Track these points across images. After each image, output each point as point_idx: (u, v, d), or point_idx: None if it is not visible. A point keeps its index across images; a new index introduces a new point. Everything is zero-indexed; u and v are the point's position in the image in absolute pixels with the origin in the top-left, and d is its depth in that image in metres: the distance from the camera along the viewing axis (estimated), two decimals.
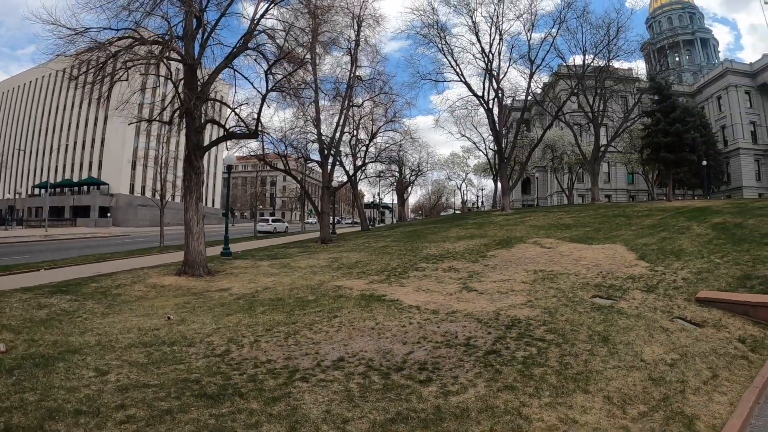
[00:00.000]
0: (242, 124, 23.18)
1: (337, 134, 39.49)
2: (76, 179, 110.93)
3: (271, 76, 21.44)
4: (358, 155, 48.58)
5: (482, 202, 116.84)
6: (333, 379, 7.65)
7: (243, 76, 24.25)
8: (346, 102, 38.04)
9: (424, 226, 43.39)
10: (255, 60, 22.26)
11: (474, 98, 50.11)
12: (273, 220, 71.38)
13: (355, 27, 36.47)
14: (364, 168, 51.61)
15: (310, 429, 6.05)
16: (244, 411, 6.43)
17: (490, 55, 47.12)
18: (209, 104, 23.62)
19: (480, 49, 47.59)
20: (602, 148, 53.32)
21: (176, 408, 6.46)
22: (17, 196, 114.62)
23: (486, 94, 48.46)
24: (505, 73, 48.65)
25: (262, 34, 21.72)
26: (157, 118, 24.60)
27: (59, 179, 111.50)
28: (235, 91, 24.40)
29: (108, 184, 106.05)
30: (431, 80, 49.97)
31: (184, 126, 21.66)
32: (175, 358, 8.70)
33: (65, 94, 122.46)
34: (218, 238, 43.85)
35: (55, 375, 7.72)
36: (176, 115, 22.74)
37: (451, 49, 48.25)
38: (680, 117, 55.83)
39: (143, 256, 30.32)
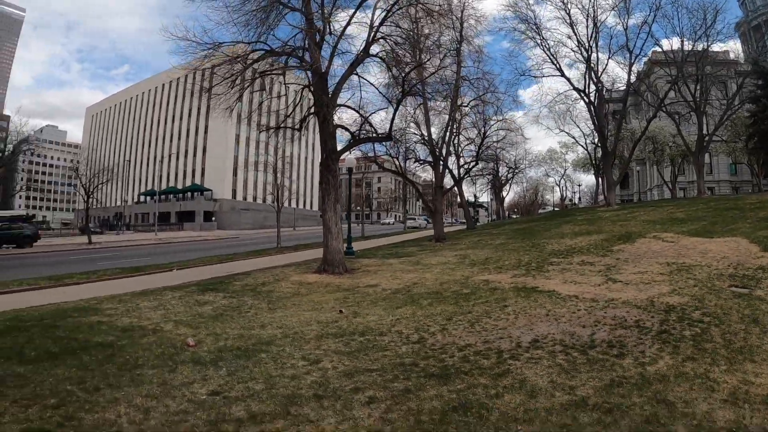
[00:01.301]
0: (363, 127, 23.82)
1: (447, 134, 39.77)
2: (180, 186, 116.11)
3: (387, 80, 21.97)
4: (461, 154, 48.72)
5: (579, 198, 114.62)
6: (539, 357, 8.00)
7: (368, 82, 24.45)
8: (454, 103, 38.15)
9: (531, 223, 43.13)
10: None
11: (572, 92, 49.10)
12: (418, 218, 75.18)
13: (458, 27, 36.59)
14: (473, 167, 51.66)
15: (546, 395, 6.43)
16: (478, 386, 6.75)
17: (589, 47, 46.14)
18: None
19: (577, 41, 46.56)
20: (706, 138, 51.00)
21: (413, 387, 6.79)
22: (124, 204, 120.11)
23: (586, 87, 47.53)
24: (605, 66, 47.52)
25: (380, 40, 22.13)
26: (285, 125, 25.28)
27: (164, 187, 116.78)
28: (361, 97, 24.94)
29: (211, 190, 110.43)
30: (531, 76, 49.24)
31: (319, 131, 22.24)
32: (376, 346, 9.04)
33: (166, 108, 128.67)
34: (318, 239, 45.24)
35: (265, 365, 8.14)
36: (304, 121, 23.70)
37: (548, 44, 47.39)
38: None
39: (263, 257, 31.26)
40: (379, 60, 23.43)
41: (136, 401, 6.61)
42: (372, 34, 21.51)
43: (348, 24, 21.82)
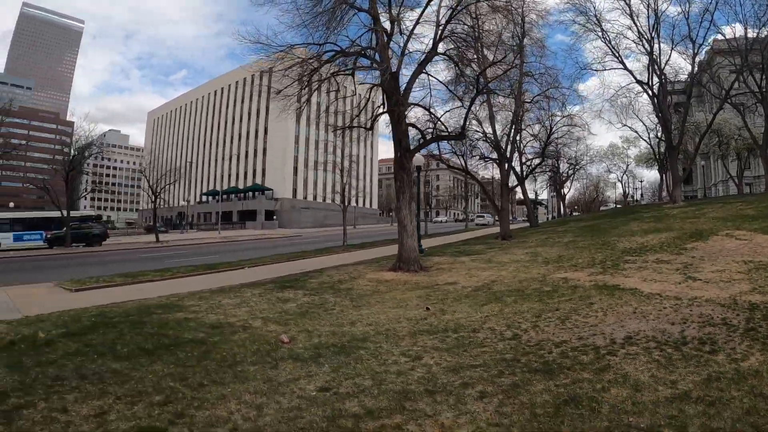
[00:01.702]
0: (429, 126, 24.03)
1: (511, 131, 39.68)
2: (241, 186, 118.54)
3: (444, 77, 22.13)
4: (524, 151, 48.41)
5: (641, 195, 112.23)
6: (635, 353, 8.09)
7: (438, 80, 24.55)
8: (518, 99, 37.90)
9: (596, 221, 42.28)
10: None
11: (634, 85, 47.53)
12: (486, 216, 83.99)
13: (519, 22, 36.31)
14: (538, 164, 51.34)
15: (650, 389, 6.57)
16: (583, 380, 6.91)
17: (651, 38, 44.68)
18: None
19: (638, 33, 45.02)
20: None
21: (520, 382, 6.96)
22: (187, 204, 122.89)
23: (649, 79, 46.20)
24: (668, 57, 46.28)
25: (446, 38, 22.34)
26: (355, 125, 25.47)
27: (225, 187, 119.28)
28: (431, 95, 25.12)
29: (272, 190, 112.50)
30: (593, 70, 48.04)
31: (391, 130, 22.46)
32: (472, 343, 9.22)
33: (226, 110, 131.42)
34: (381, 237, 45.00)
35: (366, 362, 8.39)
36: (375, 120, 24.13)
37: (608, 36, 45.93)
38: None
39: (331, 255, 31.80)
40: (444, 58, 23.70)
41: (245, 398, 6.87)
42: (439, 33, 21.68)
43: (417, 23, 21.99)
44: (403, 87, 21.95)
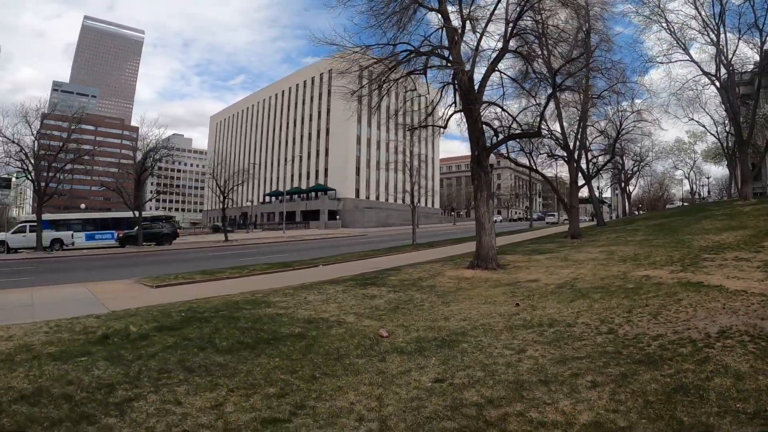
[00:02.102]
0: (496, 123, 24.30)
1: (579, 128, 39.63)
2: (304, 187, 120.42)
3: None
4: (590, 148, 48.09)
5: (708, 191, 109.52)
6: (731, 345, 8.19)
7: (511, 78, 24.61)
8: (586, 95, 37.76)
9: (666, 219, 41.85)
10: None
11: (700, 77, 46.91)
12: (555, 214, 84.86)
13: (584, 15, 35.88)
14: (608, 161, 51.02)
15: (751, 378, 6.73)
16: (686, 371, 7.11)
17: (717, 29, 43.68)
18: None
19: (703, 23, 44.28)
20: None
21: (627, 372, 7.21)
22: (250, 204, 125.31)
23: (717, 71, 45.33)
24: (736, 47, 44.76)
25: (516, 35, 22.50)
26: (430, 123, 25.84)
27: (288, 188, 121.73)
28: (504, 93, 25.28)
29: (335, 190, 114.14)
30: (658, 62, 47.68)
31: (467, 128, 22.64)
32: (570, 336, 9.46)
33: (287, 113, 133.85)
34: (446, 237, 45.19)
35: (472, 354, 8.66)
36: (449, 119, 24.18)
37: (672, 28, 45.32)
38: None
39: (402, 253, 32.17)
40: (513, 56, 23.90)
41: (361, 389, 7.11)
42: (509, 30, 21.83)
43: (489, 21, 22.32)
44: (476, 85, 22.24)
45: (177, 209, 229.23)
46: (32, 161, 48.40)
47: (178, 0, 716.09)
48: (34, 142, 49.28)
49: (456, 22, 22.41)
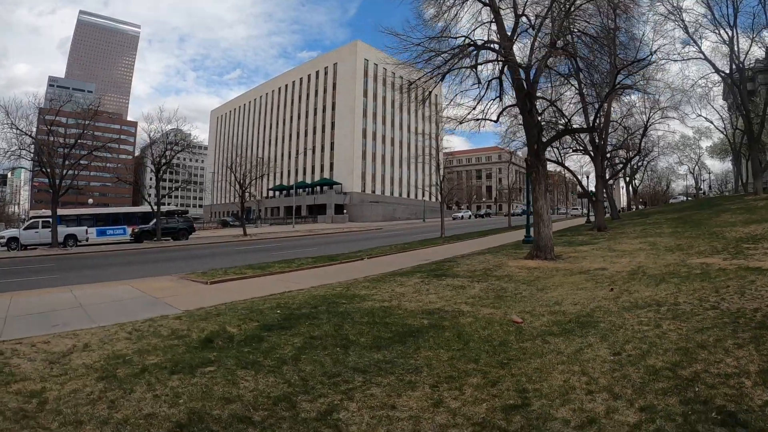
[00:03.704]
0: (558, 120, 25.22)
1: (603, 123, 40.26)
2: (309, 181, 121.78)
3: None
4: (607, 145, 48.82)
5: (710, 186, 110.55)
6: None
7: (560, 74, 25.57)
8: (611, 91, 38.20)
9: (681, 213, 43.18)
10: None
11: (711, 74, 49.11)
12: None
13: (611, 13, 36.19)
14: (634, 156, 53.27)
15: None
16: None
17: (733, 29, 45.34)
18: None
19: (715, 22, 45.99)
20: None
21: (755, 336, 8.20)
22: (253, 199, 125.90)
23: (731, 68, 46.95)
24: (749, 48, 46.44)
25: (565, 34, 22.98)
26: (480, 117, 25.69)
27: (292, 182, 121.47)
28: (552, 90, 26.29)
29: (341, 184, 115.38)
30: (671, 60, 48.70)
31: (523, 123, 23.56)
32: (685, 313, 10.12)
33: (291, 107, 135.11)
34: (462, 230, 47.39)
35: (618, 331, 9.34)
36: (502, 113, 25.18)
37: (685, 26, 46.86)
38: None
39: (437, 246, 33.21)
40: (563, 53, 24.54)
41: (559, 368, 7.57)
42: (557, 27, 22.07)
43: (545, 19, 22.46)
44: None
45: (176, 204, 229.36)
46: (44, 155, 48.37)
47: None
48: (47, 135, 49.74)
49: (509, 18, 23.10)
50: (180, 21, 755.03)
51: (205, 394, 6.90)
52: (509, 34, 22.64)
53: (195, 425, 5.93)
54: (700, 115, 60.06)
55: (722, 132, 65.07)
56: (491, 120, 25.58)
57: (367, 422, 5.96)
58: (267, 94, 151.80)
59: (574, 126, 31.67)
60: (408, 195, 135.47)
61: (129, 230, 59.62)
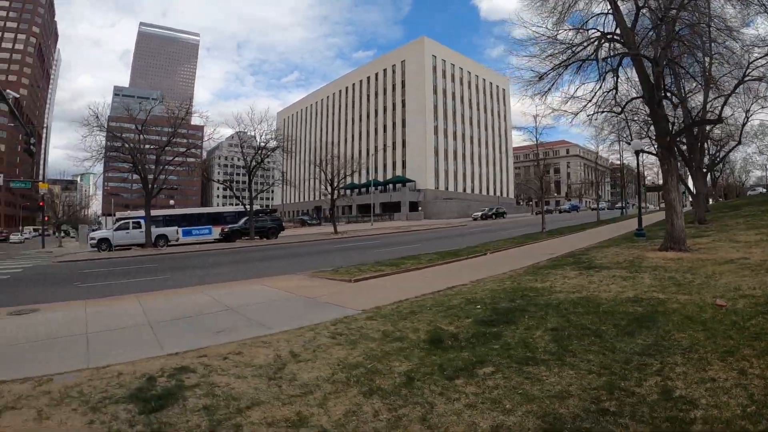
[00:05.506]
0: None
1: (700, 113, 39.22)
2: (381, 179, 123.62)
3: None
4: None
5: None
6: None
7: (681, 67, 25.50)
8: (707, 82, 36.71)
9: None
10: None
11: None
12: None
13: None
14: (734, 147, 52.86)
15: None
16: None
17: None
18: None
19: None
20: None
21: None
22: (323, 198, 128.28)
23: None
24: None
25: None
26: (606, 110, 25.95)
27: (364, 180, 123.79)
28: (673, 81, 26.79)
29: (414, 181, 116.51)
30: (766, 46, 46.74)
31: (650, 116, 24.13)
32: None
33: (359, 107, 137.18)
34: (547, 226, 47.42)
35: None
36: (628, 104, 25.57)
37: None
38: None
39: (545, 240, 34.17)
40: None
41: None
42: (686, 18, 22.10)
43: (669, 8, 21.57)
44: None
45: (232, 204, 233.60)
46: (138, 157, 50.52)
47: (231, 2, 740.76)
48: (139, 138, 52.53)
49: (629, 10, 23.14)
50: (237, 27, 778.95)
51: (525, 396, 6.49)
52: (629, 26, 22.65)
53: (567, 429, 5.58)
54: None
55: None
56: (614, 112, 26.05)
57: (703, 394, 6.13)
58: (334, 94, 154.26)
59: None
60: (480, 191, 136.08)
61: (214, 230, 61.53)
